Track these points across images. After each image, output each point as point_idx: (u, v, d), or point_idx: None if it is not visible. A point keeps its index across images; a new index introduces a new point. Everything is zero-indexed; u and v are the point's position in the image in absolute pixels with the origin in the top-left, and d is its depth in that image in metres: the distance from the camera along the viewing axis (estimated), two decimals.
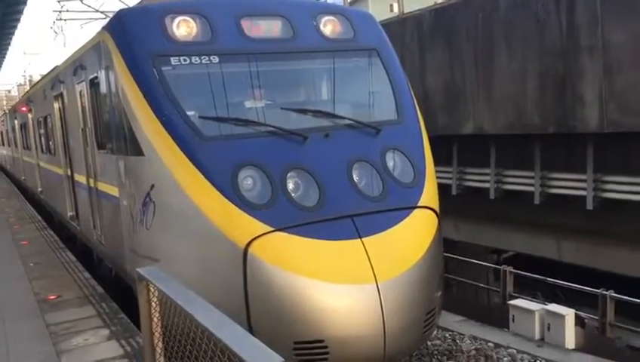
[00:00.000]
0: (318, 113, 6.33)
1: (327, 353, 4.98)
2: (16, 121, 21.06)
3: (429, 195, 6.08)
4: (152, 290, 3.28)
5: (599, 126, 10.81)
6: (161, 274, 3.33)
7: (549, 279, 10.61)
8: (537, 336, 9.23)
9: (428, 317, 5.54)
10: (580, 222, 11.84)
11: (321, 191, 5.54)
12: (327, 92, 6.80)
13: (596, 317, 9.62)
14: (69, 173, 10.57)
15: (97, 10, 20.34)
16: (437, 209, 6.12)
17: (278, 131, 5.85)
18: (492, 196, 13.32)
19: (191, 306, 2.68)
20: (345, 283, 5.08)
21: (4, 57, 41.86)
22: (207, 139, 5.63)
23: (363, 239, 5.28)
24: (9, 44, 36.45)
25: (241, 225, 5.23)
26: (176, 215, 5.66)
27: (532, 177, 12.47)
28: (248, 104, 6.35)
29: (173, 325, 3.20)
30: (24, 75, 75.51)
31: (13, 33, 32.64)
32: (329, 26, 6.82)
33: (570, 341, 8.98)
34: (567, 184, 11.90)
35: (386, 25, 7.49)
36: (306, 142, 5.82)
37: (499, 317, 9.94)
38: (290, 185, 5.53)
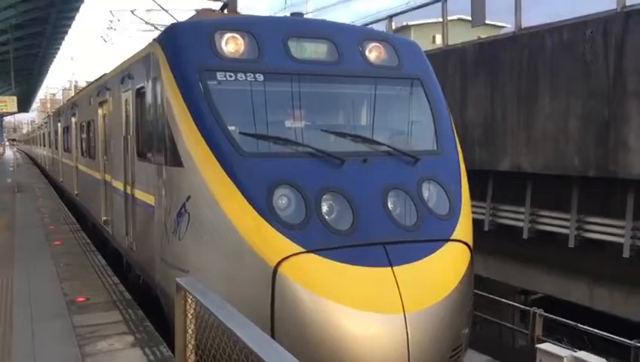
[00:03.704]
0: (357, 138, 6.34)
1: None
2: (59, 124, 21.59)
3: (464, 229, 5.99)
4: (190, 302, 3.24)
5: None
6: (200, 286, 3.26)
7: (580, 325, 10.31)
8: None
9: (454, 353, 5.41)
10: (615, 270, 11.51)
11: (355, 216, 5.51)
12: (367, 118, 6.80)
13: None
14: (107, 178, 10.76)
15: (147, 23, 20.84)
16: (471, 243, 6.02)
17: (317, 153, 5.86)
18: (525, 235, 13.06)
19: (231, 321, 2.63)
20: (372, 311, 5.01)
21: (52, 61, 43.21)
22: (246, 155, 5.67)
23: (394, 268, 5.22)
24: (58, 48, 37.70)
25: (272, 244, 5.22)
26: (210, 228, 5.69)
27: (568, 219, 12.21)
28: (289, 124, 6.39)
29: (208, 338, 3.18)
30: (70, 80, 77.81)
31: (63, 38, 33.75)
32: (374, 52, 6.86)
33: None
34: (604, 229, 11.60)
35: (429, 56, 7.51)
36: (344, 166, 5.82)
37: (524, 360, 9.68)
38: (325, 208, 5.52)
